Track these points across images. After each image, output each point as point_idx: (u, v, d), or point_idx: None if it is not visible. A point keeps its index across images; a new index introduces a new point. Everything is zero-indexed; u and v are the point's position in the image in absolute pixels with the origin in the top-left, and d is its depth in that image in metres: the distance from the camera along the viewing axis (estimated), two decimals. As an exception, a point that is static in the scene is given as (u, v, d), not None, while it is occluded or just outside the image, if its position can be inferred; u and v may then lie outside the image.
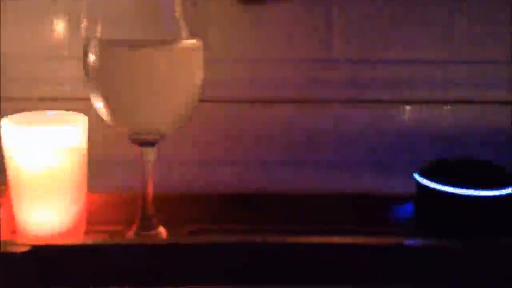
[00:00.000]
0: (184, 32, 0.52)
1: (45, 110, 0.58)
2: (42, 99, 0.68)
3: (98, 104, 0.52)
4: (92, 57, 0.51)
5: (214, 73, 0.79)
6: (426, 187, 0.56)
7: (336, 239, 0.55)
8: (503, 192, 0.54)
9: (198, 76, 0.53)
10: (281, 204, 0.64)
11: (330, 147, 0.81)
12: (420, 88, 0.86)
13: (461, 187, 0.54)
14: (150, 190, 0.55)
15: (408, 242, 0.55)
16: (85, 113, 0.57)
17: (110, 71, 0.50)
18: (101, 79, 0.51)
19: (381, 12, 0.84)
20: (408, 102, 0.87)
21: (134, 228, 0.56)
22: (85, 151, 0.57)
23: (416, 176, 0.59)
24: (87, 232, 0.58)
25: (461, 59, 0.86)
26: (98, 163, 0.59)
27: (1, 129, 0.55)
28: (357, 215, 0.64)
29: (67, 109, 0.59)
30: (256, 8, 0.80)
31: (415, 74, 0.86)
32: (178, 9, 0.51)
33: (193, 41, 0.52)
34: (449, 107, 0.87)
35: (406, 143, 0.85)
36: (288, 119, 0.80)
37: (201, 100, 0.77)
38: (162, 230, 0.57)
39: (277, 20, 0.81)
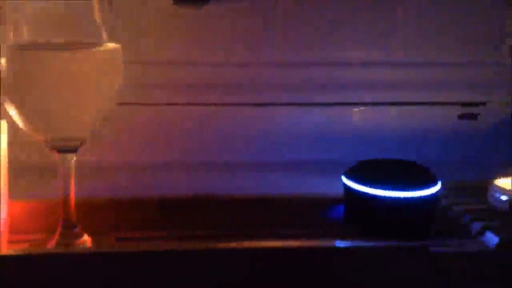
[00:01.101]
0: (102, 36, 0.51)
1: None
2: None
3: (14, 111, 0.50)
4: (7, 62, 0.49)
5: (145, 76, 0.79)
6: (350, 188, 0.57)
7: (266, 244, 0.55)
8: (420, 193, 0.55)
9: (116, 80, 0.52)
10: (211, 208, 0.64)
11: (266, 148, 0.81)
12: (361, 89, 0.88)
13: (380, 188, 0.55)
14: (72, 197, 0.53)
15: (335, 244, 0.56)
16: (4, 119, 0.55)
17: (26, 76, 0.49)
18: (16, 84, 0.49)
19: (323, 13, 0.85)
20: (348, 104, 0.89)
21: (56, 236, 0.54)
22: (5, 158, 0.55)
23: (343, 177, 0.59)
24: (9, 242, 0.57)
25: (404, 60, 0.89)
26: (19, 170, 0.57)
27: None
28: (292, 217, 0.65)
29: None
30: (193, 11, 0.79)
31: (355, 75, 0.88)
32: (96, 13, 0.50)
33: (112, 45, 0.51)
34: (386, 108, 0.89)
35: (346, 144, 0.86)
36: (220, 121, 0.80)
37: (127, 103, 0.77)
38: (86, 238, 0.55)
39: (216, 22, 0.81)
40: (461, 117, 0.89)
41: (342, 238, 0.57)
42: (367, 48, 0.87)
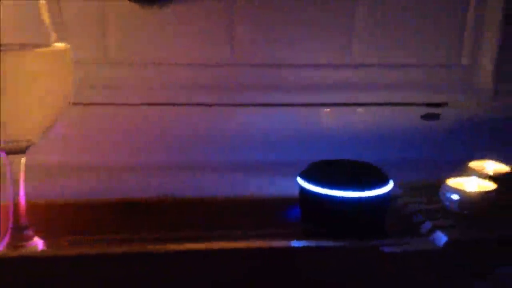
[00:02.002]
0: (51, 37, 0.50)
1: None
2: None
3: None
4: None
5: (104, 76, 0.79)
6: (305, 189, 0.57)
7: (223, 244, 0.55)
8: (372, 193, 0.55)
9: (66, 81, 0.51)
10: (166, 210, 0.64)
11: (228, 149, 0.82)
12: (325, 91, 0.89)
13: (332, 188, 0.55)
14: (22, 199, 0.53)
15: (290, 244, 0.56)
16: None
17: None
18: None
19: (285, 17, 0.85)
20: (311, 105, 0.89)
21: (7, 240, 0.54)
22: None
23: (298, 178, 0.60)
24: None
25: (366, 62, 0.90)
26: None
27: None
28: (250, 218, 0.65)
29: None
30: (156, 10, 0.79)
31: (317, 77, 0.88)
32: (44, 13, 0.50)
33: (61, 45, 0.51)
34: (347, 109, 0.90)
35: (309, 144, 0.87)
36: (181, 122, 0.80)
37: (85, 104, 0.76)
38: (38, 241, 0.55)
39: (179, 22, 0.81)
40: (424, 117, 0.91)
41: (297, 238, 0.58)
42: (329, 50, 0.88)
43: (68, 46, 0.51)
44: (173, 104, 0.78)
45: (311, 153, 0.80)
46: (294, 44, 0.85)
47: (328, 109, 0.86)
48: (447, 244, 0.53)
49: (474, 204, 0.57)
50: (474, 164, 0.67)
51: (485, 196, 0.57)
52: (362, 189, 0.55)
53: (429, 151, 0.85)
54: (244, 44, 0.82)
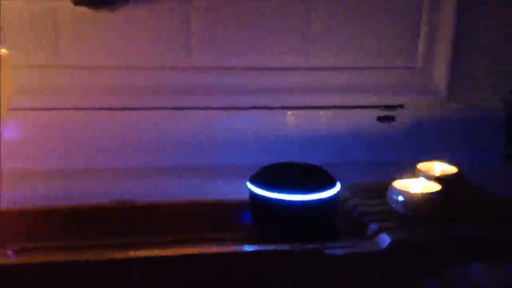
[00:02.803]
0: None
1: None
2: None
3: None
4: None
5: (56, 80, 0.78)
6: (254, 193, 0.58)
7: (173, 251, 0.55)
8: (318, 196, 0.56)
9: (5, 86, 0.51)
10: (119, 216, 0.63)
11: (180, 153, 0.82)
12: (280, 93, 0.89)
13: (280, 192, 0.55)
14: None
15: (238, 249, 0.56)
16: None
17: None
18: None
19: (242, 21, 0.86)
20: (266, 108, 0.89)
21: None
22: None
23: (248, 183, 0.60)
24: None
25: (321, 66, 0.91)
26: None
27: None
28: (204, 222, 0.65)
29: None
30: (110, 14, 0.78)
31: (273, 80, 0.89)
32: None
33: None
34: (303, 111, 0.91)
35: (264, 147, 0.87)
36: (133, 126, 0.80)
37: (34, 108, 0.74)
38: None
39: (134, 25, 0.81)
40: (380, 119, 0.92)
41: (247, 242, 0.58)
42: (285, 53, 0.88)
43: (6, 52, 0.50)
44: (127, 109, 0.78)
45: (268, 155, 0.80)
46: (251, 47, 0.86)
47: (290, 112, 0.87)
48: (390, 245, 0.54)
49: (418, 206, 0.58)
50: (422, 166, 0.68)
51: (429, 197, 0.58)
52: (308, 192, 0.56)
53: (383, 153, 0.86)
54: (200, 48, 0.82)
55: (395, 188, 0.60)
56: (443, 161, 0.71)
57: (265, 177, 0.58)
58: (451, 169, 0.68)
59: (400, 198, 0.59)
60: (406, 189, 0.60)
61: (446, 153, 0.73)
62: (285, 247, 0.53)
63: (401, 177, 0.65)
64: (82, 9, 0.73)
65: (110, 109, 0.78)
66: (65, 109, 0.74)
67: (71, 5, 0.73)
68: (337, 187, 0.58)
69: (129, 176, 0.75)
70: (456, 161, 0.71)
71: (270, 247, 0.53)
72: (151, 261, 0.53)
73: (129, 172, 0.75)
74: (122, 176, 0.74)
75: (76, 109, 0.75)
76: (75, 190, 0.68)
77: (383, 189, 0.64)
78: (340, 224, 0.60)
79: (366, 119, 0.89)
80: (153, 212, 0.65)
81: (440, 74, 0.90)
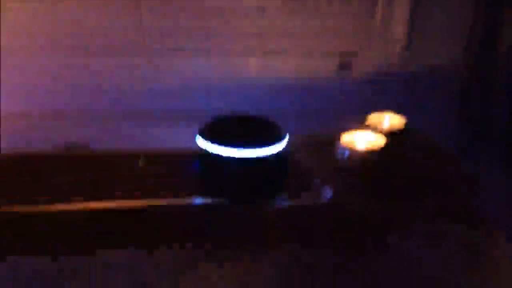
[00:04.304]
0: None
1: None
2: None
3: None
4: None
5: None
6: (203, 148, 0.58)
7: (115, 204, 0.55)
8: (266, 151, 0.56)
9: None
10: (60, 164, 0.63)
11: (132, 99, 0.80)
12: (238, 38, 0.87)
13: (228, 147, 0.56)
14: None
15: (186, 202, 0.57)
16: None
17: None
18: None
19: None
20: (223, 53, 0.88)
21: None
22: None
23: (197, 136, 0.60)
24: None
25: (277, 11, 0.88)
26: None
27: None
28: (152, 171, 0.63)
29: None
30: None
31: (228, 24, 0.86)
32: None
33: None
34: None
35: (219, 93, 0.86)
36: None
37: None
38: None
39: None
40: (337, 67, 0.92)
41: (193, 195, 0.58)
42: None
43: None
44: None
45: (221, 102, 0.81)
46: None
47: (252, 58, 0.86)
48: (332, 198, 0.55)
49: (362, 161, 0.59)
50: (373, 117, 0.69)
51: (372, 153, 0.60)
52: (255, 147, 0.56)
53: (338, 102, 0.87)
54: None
55: (342, 142, 0.61)
56: (395, 113, 0.72)
57: (214, 131, 0.59)
58: (401, 121, 0.70)
59: (346, 152, 0.61)
60: (351, 144, 0.61)
61: (400, 104, 0.74)
62: (229, 201, 0.54)
63: (354, 128, 0.66)
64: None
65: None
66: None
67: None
68: (284, 142, 0.58)
69: (81, 119, 0.74)
70: (409, 112, 0.73)
71: (215, 202, 0.55)
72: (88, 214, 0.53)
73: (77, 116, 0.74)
74: (68, 120, 0.73)
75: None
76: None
77: (332, 141, 0.65)
78: (285, 178, 0.60)
79: (322, 66, 0.89)
80: (96, 161, 0.63)
81: (400, 22, 0.90)
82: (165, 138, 0.78)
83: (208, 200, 0.56)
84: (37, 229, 0.53)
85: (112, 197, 0.56)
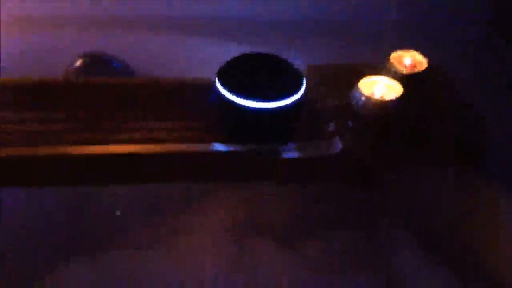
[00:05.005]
0: None
1: None
2: None
3: None
4: None
5: None
6: (222, 95, 0.59)
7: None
8: (285, 102, 0.57)
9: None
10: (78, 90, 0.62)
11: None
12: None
13: (247, 99, 0.57)
14: None
15: (202, 148, 0.58)
16: None
17: None
18: None
19: None
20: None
21: None
22: None
23: (216, 81, 0.60)
24: None
25: None
26: None
27: None
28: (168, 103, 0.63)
29: None
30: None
31: None
32: None
33: None
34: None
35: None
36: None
37: None
38: None
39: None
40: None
41: (209, 140, 0.59)
42: None
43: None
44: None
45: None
46: None
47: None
48: (342, 149, 0.57)
49: (376, 112, 0.59)
50: (394, 58, 0.66)
51: (388, 104, 0.60)
52: (273, 100, 0.57)
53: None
54: None
55: (359, 88, 0.61)
56: (418, 52, 0.70)
57: (231, 78, 0.59)
58: (422, 63, 0.67)
59: (362, 99, 0.60)
60: (369, 91, 0.61)
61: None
62: (238, 148, 0.56)
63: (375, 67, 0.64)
64: None
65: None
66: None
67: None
68: (302, 91, 0.58)
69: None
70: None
71: (226, 148, 0.57)
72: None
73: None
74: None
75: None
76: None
77: (353, 80, 0.63)
78: (301, 126, 0.61)
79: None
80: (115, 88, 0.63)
81: None
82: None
83: (224, 147, 0.58)
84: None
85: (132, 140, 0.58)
